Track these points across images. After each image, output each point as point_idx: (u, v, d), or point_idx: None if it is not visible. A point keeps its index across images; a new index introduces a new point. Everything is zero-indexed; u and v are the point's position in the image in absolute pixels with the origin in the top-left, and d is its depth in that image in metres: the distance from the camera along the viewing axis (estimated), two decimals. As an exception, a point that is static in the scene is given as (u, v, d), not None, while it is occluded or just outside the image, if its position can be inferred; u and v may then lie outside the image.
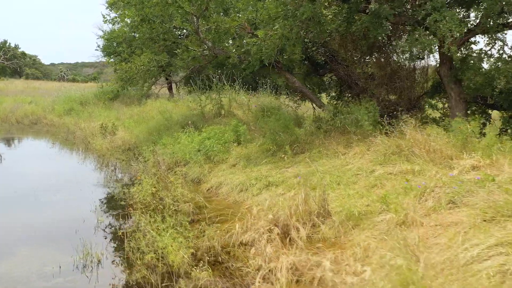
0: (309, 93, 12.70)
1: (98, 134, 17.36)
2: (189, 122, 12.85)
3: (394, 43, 11.92)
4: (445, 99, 12.52)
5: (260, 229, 6.24)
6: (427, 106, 12.80)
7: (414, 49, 10.68)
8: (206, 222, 7.05)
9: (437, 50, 10.42)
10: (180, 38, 13.55)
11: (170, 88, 26.80)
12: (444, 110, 12.65)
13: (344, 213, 6.75)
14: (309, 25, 9.35)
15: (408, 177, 7.62)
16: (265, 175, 9.22)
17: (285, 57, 11.24)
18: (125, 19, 12.40)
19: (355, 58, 12.95)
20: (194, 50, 13.59)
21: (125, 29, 12.32)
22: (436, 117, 12.47)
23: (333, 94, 15.10)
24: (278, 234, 5.87)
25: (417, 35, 9.92)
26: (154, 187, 8.80)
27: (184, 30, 13.18)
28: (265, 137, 11.03)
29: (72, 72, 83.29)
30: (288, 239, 6.18)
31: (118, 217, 8.04)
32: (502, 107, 10.82)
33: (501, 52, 10.37)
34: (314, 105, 15.57)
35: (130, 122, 18.09)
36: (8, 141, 19.46)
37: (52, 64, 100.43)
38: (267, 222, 6.55)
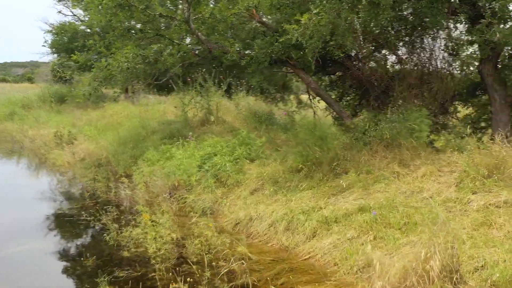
0: (328, 96, 10.53)
1: (53, 144, 14.42)
2: (190, 133, 10.23)
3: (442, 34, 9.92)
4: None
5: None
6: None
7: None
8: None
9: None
10: (163, 29, 10.94)
11: (126, 89, 23.74)
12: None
13: (483, 274, 4.61)
14: (362, 8, 7.11)
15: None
16: (312, 207, 6.86)
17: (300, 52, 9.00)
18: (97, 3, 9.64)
19: (380, 54, 10.85)
20: (180, 43, 11.07)
21: (99, 15, 9.55)
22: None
23: (333, 96, 12.98)
24: None
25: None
26: (170, 230, 6.33)
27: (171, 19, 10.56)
28: (289, 152, 8.74)
29: (1, 73, 77.27)
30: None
31: (130, 284, 5.31)
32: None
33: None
34: (331, 110, 13.38)
35: (90, 129, 15.18)
36: None
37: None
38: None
